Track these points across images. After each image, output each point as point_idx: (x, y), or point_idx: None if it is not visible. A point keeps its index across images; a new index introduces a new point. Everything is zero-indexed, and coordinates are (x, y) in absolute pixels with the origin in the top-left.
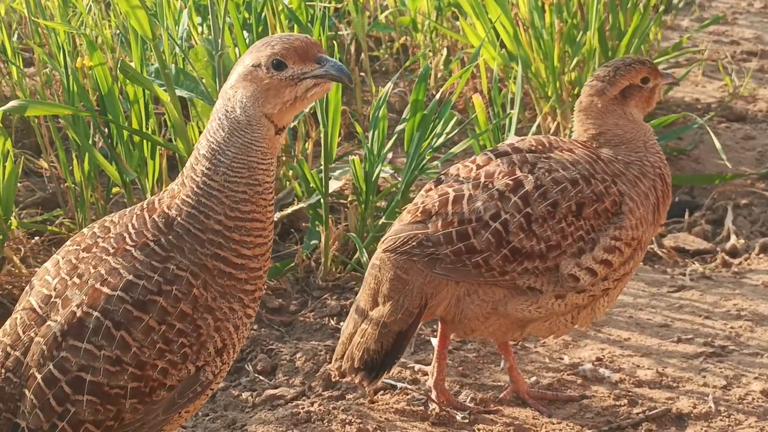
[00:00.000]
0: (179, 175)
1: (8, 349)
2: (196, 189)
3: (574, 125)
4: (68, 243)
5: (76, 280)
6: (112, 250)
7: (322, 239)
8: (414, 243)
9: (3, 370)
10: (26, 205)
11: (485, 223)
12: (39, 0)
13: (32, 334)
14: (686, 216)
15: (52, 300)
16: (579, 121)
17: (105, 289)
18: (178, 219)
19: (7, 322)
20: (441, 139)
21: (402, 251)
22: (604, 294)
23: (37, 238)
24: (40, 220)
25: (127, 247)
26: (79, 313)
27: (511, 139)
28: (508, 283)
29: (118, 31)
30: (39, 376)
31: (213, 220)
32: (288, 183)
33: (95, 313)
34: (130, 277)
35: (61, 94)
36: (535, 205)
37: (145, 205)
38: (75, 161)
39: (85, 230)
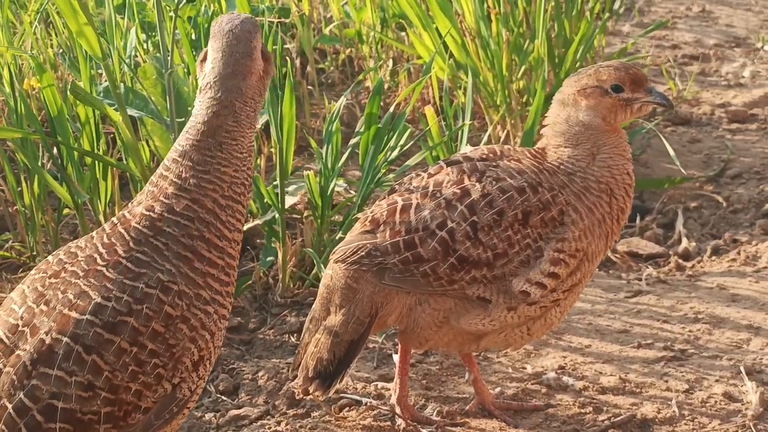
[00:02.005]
0: (149, 183)
1: None
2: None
3: None
4: (33, 271)
5: (43, 307)
6: (81, 273)
7: (279, 256)
8: (363, 253)
9: None
10: None
11: (432, 232)
12: None
13: (0, 365)
14: (637, 220)
15: (19, 329)
16: (550, 107)
17: (73, 314)
18: (166, 214)
19: None
20: (395, 152)
21: (351, 261)
22: (555, 305)
23: None
24: None
25: (99, 268)
26: (48, 341)
27: (465, 149)
28: (457, 293)
29: (60, 50)
30: (10, 406)
31: (209, 199)
32: None
33: (64, 339)
34: (99, 299)
35: (7, 115)
36: (481, 213)
37: (115, 221)
38: (24, 184)
39: (50, 257)
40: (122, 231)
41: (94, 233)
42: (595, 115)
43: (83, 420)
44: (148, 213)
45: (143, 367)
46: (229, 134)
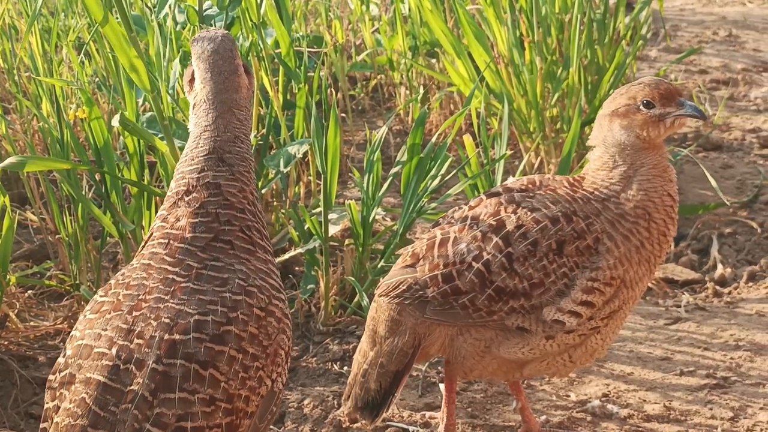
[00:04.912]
0: (174, 198)
1: (89, 430)
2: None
3: None
4: (93, 316)
5: (139, 341)
6: (167, 296)
7: (321, 284)
8: (404, 287)
9: None
10: (14, 258)
11: (468, 265)
12: (14, 50)
13: (113, 408)
14: (672, 246)
15: (121, 369)
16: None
17: (177, 336)
18: (221, 211)
19: (71, 406)
20: (436, 182)
21: (394, 295)
22: (594, 332)
23: (30, 291)
24: (30, 273)
25: (183, 284)
26: (161, 368)
27: (510, 179)
28: (497, 324)
29: (96, 78)
30: None
31: (248, 191)
32: (280, 227)
33: (178, 361)
34: (197, 315)
35: (49, 144)
36: (516, 244)
37: (163, 241)
38: (67, 213)
39: (103, 298)
40: (181, 245)
41: (138, 263)
42: (629, 133)
43: None
44: (198, 219)
45: (248, 372)
46: (238, 129)
